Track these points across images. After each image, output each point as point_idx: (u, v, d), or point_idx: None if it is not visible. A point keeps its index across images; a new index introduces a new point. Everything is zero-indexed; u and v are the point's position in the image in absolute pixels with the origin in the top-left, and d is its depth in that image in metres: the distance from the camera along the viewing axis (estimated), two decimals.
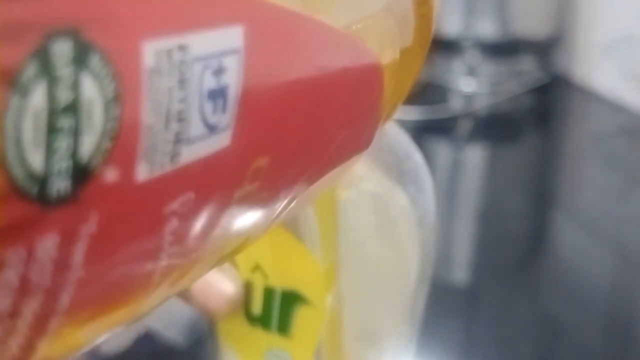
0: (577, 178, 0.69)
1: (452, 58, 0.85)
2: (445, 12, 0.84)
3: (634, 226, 0.56)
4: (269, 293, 0.25)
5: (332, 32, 0.14)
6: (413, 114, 0.73)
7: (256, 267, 0.25)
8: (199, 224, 0.11)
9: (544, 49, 0.88)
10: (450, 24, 0.84)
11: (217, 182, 0.11)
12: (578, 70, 0.88)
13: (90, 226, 0.09)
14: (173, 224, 0.11)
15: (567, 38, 0.89)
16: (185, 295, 0.25)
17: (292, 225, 0.24)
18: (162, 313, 0.37)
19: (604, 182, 0.66)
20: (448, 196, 0.62)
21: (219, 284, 0.24)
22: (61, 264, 0.09)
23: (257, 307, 0.25)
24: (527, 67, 0.86)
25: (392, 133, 0.26)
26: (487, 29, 0.85)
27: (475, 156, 0.75)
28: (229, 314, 0.25)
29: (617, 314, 0.46)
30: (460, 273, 0.51)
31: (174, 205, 0.10)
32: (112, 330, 0.12)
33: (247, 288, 0.25)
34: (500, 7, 0.85)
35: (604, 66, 0.83)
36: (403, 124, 0.26)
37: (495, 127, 0.79)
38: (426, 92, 0.81)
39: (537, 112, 0.84)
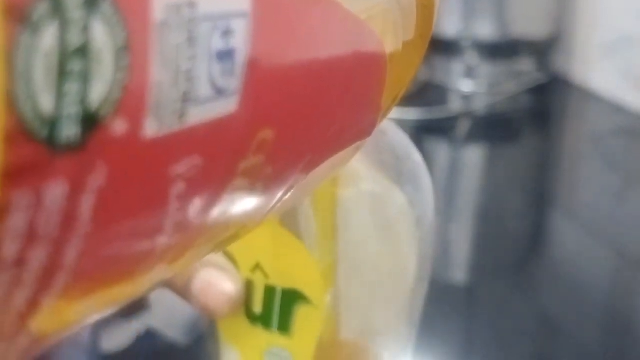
0: (576, 178, 0.69)
1: (451, 58, 0.85)
2: (444, 13, 0.84)
3: (633, 226, 0.56)
4: (269, 292, 0.25)
5: (342, 13, 0.14)
6: (412, 114, 0.73)
7: (256, 267, 0.25)
8: (204, 193, 0.11)
9: (543, 49, 0.88)
10: (450, 25, 0.84)
11: (223, 148, 0.11)
12: (577, 70, 0.88)
13: (98, 178, 0.09)
14: (179, 187, 0.11)
15: (565, 38, 0.89)
16: (186, 294, 0.25)
17: (291, 225, 0.25)
18: (163, 312, 0.38)
19: (603, 182, 0.66)
20: (447, 196, 0.62)
21: (220, 283, 0.24)
22: (69, 215, 0.09)
23: (257, 306, 0.26)
24: (526, 67, 0.87)
25: (391, 133, 0.26)
26: (486, 29, 0.85)
27: (474, 156, 0.76)
28: (229, 313, 0.25)
29: (615, 313, 0.47)
30: (458, 273, 0.52)
31: (181, 168, 0.10)
32: (108, 308, 0.12)
33: (248, 287, 0.25)
34: (499, 7, 0.85)
35: (603, 66, 0.83)
36: (402, 124, 0.26)
37: (494, 128, 0.79)
38: (425, 93, 0.81)
39: (536, 112, 0.84)
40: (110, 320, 0.37)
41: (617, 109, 0.80)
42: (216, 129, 0.11)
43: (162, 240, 0.11)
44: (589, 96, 0.84)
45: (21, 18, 0.07)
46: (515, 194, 0.65)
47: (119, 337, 0.36)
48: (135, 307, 0.37)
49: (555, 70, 0.89)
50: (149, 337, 0.37)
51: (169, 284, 0.25)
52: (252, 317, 0.26)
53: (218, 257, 0.25)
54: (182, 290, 0.25)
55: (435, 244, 0.28)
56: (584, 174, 0.69)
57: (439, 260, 0.50)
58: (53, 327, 0.10)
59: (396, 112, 0.20)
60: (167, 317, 0.37)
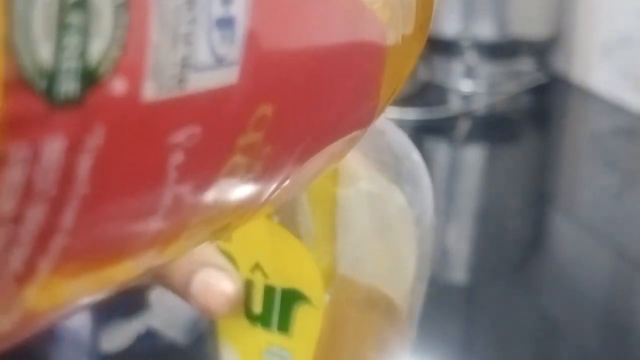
0: (575, 178, 0.69)
1: (451, 59, 0.85)
2: (444, 13, 0.84)
3: (632, 225, 0.56)
4: (268, 292, 0.25)
5: None
6: (412, 114, 0.73)
7: (256, 266, 0.25)
8: (203, 166, 0.11)
9: (543, 49, 0.88)
10: (449, 25, 0.84)
11: (223, 119, 0.11)
12: (576, 70, 0.88)
13: (96, 138, 0.09)
14: (178, 157, 0.11)
15: (565, 39, 0.89)
16: (185, 295, 0.25)
17: (290, 224, 0.25)
18: (163, 312, 0.38)
19: (602, 181, 0.66)
20: (446, 196, 0.62)
21: (219, 283, 0.25)
22: (67, 174, 0.09)
23: (257, 306, 0.26)
24: (526, 67, 0.87)
25: (391, 133, 0.26)
26: (485, 29, 0.85)
27: (473, 156, 0.76)
28: (229, 313, 0.25)
29: (615, 313, 0.47)
30: (458, 272, 0.52)
31: (180, 136, 0.10)
32: (101, 290, 0.12)
33: (247, 287, 0.25)
34: (499, 8, 0.85)
35: (602, 67, 0.83)
36: (402, 124, 0.26)
37: (493, 128, 0.79)
38: (425, 93, 0.81)
39: (535, 112, 0.84)
40: (110, 320, 0.37)
41: (617, 109, 0.80)
42: (216, 99, 0.11)
43: (159, 214, 0.11)
44: (588, 96, 0.84)
45: None
46: (515, 194, 0.65)
47: (119, 337, 0.36)
48: (135, 307, 0.37)
49: (555, 70, 0.89)
50: (149, 337, 0.37)
51: (168, 284, 0.25)
52: (251, 317, 0.26)
53: (217, 257, 0.25)
54: (182, 290, 0.25)
55: (435, 244, 0.28)
56: (583, 174, 0.69)
57: (439, 260, 0.50)
58: (48, 302, 0.10)
59: (396, 112, 0.20)
60: (167, 317, 0.37)
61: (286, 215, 0.25)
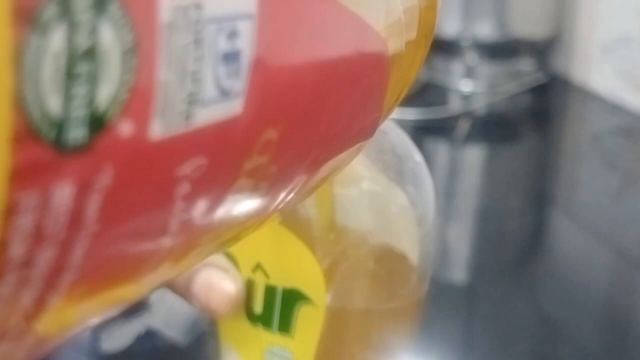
0: (575, 178, 0.69)
1: (451, 59, 0.85)
2: (444, 13, 0.84)
3: (632, 225, 0.56)
4: (270, 292, 0.25)
5: (346, 14, 0.14)
6: (412, 114, 0.73)
7: (257, 267, 0.25)
8: (209, 193, 0.12)
9: (542, 49, 0.88)
10: (449, 25, 0.84)
11: (229, 148, 0.11)
12: (576, 70, 0.88)
13: (104, 179, 0.09)
14: (184, 188, 0.11)
15: (565, 39, 0.89)
16: (186, 295, 0.25)
17: (292, 225, 0.25)
18: (163, 312, 0.38)
19: (602, 181, 0.66)
20: (447, 196, 0.62)
21: (221, 284, 0.24)
22: (76, 216, 0.09)
23: (258, 306, 0.26)
24: (526, 67, 0.87)
25: (392, 133, 0.26)
26: (485, 29, 0.85)
27: (474, 156, 0.76)
28: (230, 313, 0.25)
29: (615, 313, 0.47)
30: (458, 272, 0.52)
31: (187, 169, 0.11)
32: (112, 309, 0.12)
33: (249, 287, 0.25)
34: (499, 8, 0.85)
35: (602, 67, 0.83)
36: (402, 124, 0.26)
37: (493, 127, 0.79)
38: (425, 93, 0.81)
39: (535, 112, 0.84)
40: (110, 320, 0.37)
41: (617, 109, 0.80)
42: (221, 130, 0.11)
43: (167, 240, 0.11)
44: (588, 96, 0.84)
45: (30, 19, 0.08)
46: (514, 193, 0.65)
47: (119, 337, 0.36)
48: (135, 307, 0.37)
49: (555, 70, 0.89)
50: (149, 337, 0.37)
51: (169, 284, 0.25)
52: (252, 317, 0.26)
53: (219, 258, 0.25)
54: (183, 290, 0.25)
55: (436, 243, 0.28)
56: (583, 174, 0.69)
57: (439, 260, 0.50)
58: (58, 327, 0.10)
59: (396, 112, 0.20)
60: (167, 317, 0.37)
61: (288, 216, 0.25)
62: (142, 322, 0.37)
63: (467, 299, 0.47)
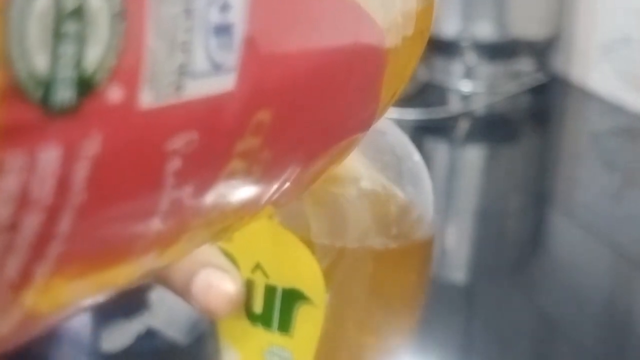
0: (575, 178, 0.69)
1: (450, 59, 0.85)
2: (443, 13, 0.84)
3: (631, 225, 0.56)
4: (269, 292, 0.25)
5: (344, 0, 0.14)
6: (412, 114, 0.73)
7: (257, 267, 0.25)
8: (201, 172, 0.11)
9: (542, 49, 0.88)
10: (449, 25, 0.84)
11: (220, 125, 0.11)
12: (576, 70, 0.88)
13: (92, 145, 0.09)
14: (175, 163, 0.11)
15: (564, 39, 0.89)
16: (186, 295, 0.25)
17: (291, 224, 0.25)
18: (163, 312, 0.38)
19: (601, 181, 0.67)
20: (446, 196, 0.62)
21: (220, 284, 0.24)
22: (63, 182, 0.09)
23: (258, 306, 0.26)
24: (525, 67, 0.87)
25: (391, 133, 0.26)
26: (485, 30, 0.85)
27: (473, 156, 0.76)
28: (230, 313, 0.25)
29: (614, 313, 0.47)
30: (458, 272, 0.52)
31: (177, 142, 0.10)
32: (103, 292, 0.12)
33: (248, 287, 0.25)
34: (498, 8, 0.85)
35: (602, 67, 0.83)
36: (402, 124, 0.26)
37: (493, 128, 0.79)
38: (424, 93, 0.81)
39: (535, 112, 0.84)
40: (110, 320, 0.37)
41: (616, 109, 0.80)
42: (213, 105, 0.11)
43: (157, 219, 0.11)
44: (588, 96, 0.84)
45: None
46: (514, 193, 0.65)
47: (119, 337, 0.36)
48: (135, 307, 0.38)
49: (555, 70, 0.89)
50: (149, 337, 0.37)
51: (169, 284, 0.25)
52: (252, 317, 0.26)
53: (218, 258, 0.25)
54: (183, 290, 0.25)
55: (435, 244, 0.28)
56: (582, 174, 0.69)
57: (439, 260, 0.50)
58: (49, 305, 0.10)
59: (396, 112, 0.20)
60: (167, 317, 0.37)
61: (287, 216, 0.25)
62: (142, 322, 0.37)
63: (467, 299, 0.47)
